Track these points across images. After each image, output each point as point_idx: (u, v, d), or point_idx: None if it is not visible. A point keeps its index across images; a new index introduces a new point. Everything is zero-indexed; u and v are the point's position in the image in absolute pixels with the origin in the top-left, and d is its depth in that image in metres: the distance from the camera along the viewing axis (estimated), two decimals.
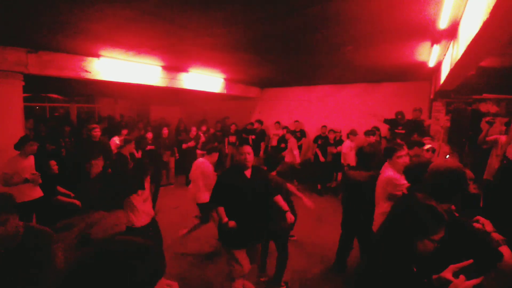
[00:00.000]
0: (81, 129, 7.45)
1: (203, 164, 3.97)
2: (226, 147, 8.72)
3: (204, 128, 8.09)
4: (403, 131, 5.80)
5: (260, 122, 8.81)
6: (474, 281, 1.07)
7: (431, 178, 1.66)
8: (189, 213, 5.29)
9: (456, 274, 1.10)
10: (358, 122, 7.63)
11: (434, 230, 1.25)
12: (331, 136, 7.27)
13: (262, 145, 8.53)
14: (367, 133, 5.69)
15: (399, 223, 1.31)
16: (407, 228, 1.28)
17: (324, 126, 7.63)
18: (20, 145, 3.72)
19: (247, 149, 2.71)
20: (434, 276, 1.15)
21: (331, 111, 8.62)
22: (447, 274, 1.11)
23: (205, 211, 3.99)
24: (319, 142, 7.41)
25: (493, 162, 4.28)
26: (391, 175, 2.78)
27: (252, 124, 9.00)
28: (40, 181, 3.66)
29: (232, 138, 8.60)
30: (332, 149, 7.11)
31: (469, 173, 2.46)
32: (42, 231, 1.66)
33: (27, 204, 3.66)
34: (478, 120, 5.76)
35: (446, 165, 1.65)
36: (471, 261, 1.11)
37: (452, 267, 1.11)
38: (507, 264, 1.37)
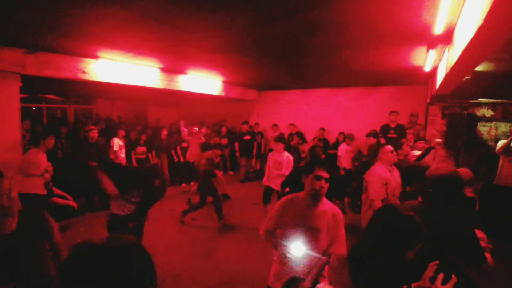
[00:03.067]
0: (78, 130, 7.41)
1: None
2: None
3: (204, 130, 8.10)
4: (394, 135, 5.87)
5: (246, 123, 8.84)
6: (453, 282, 1.12)
7: (427, 184, 1.70)
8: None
9: (432, 279, 1.14)
10: (355, 125, 7.68)
11: (416, 241, 1.28)
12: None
13: (255, 144, 8.52)
14: (369, 135, 5.74)
15: (382, 237, 1.32)
16: (391, 241, 1.29)
17: (322, 129, 7.66)
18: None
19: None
20: (414, 285, 1.18)
21: (328, 114, 8.66)
22: (425, 282, 1.15)
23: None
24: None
25: (505, 168, 4.38)
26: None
27: (251, 126, 9.02)
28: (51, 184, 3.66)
29: (224, 140, 8.56)
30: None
31: (468, 172, 2.50)
32: None
33: (38, 196, 3.64)
34: (473, 124, 5.82)
35: (440, 171, 1.68)
36: (437, 262, 1.16)
37: (426, 274, 1.15)
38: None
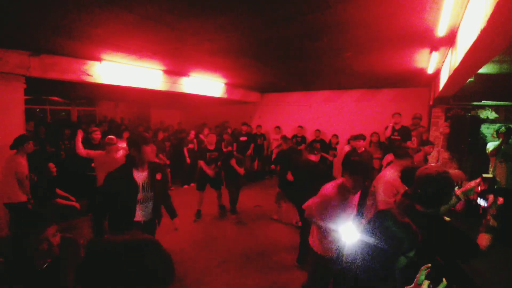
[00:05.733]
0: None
1: None
2: None
3: (206, 132, 8.11)
4: (398, 137, 5.81)
5: (247, 125, 8.88)
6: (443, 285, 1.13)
7: (416, 184, 1.63)
8: (187, 216, 5.27)
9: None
10: (358, 127, 7.66)
11: (411, 247, 1.28)
12: (334, 141, 7.32)
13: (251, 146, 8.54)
14: (356, 137, 5.60)
15: (377, 242, 1.32)
16: (385, 246, 1.29)
17: (318, 130, 7.69)
18: (18, 144, 3.66)
19: None
20: None
21: (330, 116, 8.66)
22: (417, 285, 1.16)
23: None
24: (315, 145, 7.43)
25: (497, 170, 4.53)
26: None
27: (250, 127, 9.04)
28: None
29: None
30: (330, 154, 7.14)
31: (461, 174, 2.47)
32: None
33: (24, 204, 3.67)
34: (477, 127, 5.79)
35: (428, 172, 1.61)
36: (428, 265, 1.16)
37: (418, 278, 1.15)
38: None
